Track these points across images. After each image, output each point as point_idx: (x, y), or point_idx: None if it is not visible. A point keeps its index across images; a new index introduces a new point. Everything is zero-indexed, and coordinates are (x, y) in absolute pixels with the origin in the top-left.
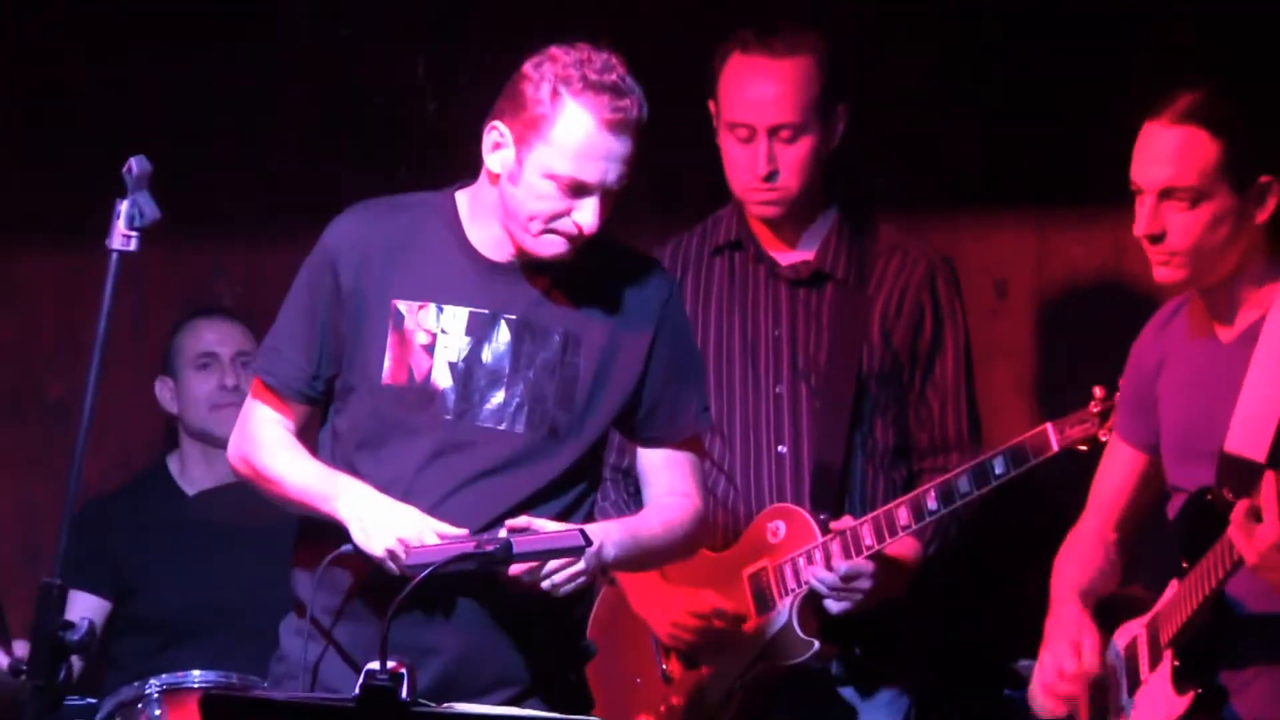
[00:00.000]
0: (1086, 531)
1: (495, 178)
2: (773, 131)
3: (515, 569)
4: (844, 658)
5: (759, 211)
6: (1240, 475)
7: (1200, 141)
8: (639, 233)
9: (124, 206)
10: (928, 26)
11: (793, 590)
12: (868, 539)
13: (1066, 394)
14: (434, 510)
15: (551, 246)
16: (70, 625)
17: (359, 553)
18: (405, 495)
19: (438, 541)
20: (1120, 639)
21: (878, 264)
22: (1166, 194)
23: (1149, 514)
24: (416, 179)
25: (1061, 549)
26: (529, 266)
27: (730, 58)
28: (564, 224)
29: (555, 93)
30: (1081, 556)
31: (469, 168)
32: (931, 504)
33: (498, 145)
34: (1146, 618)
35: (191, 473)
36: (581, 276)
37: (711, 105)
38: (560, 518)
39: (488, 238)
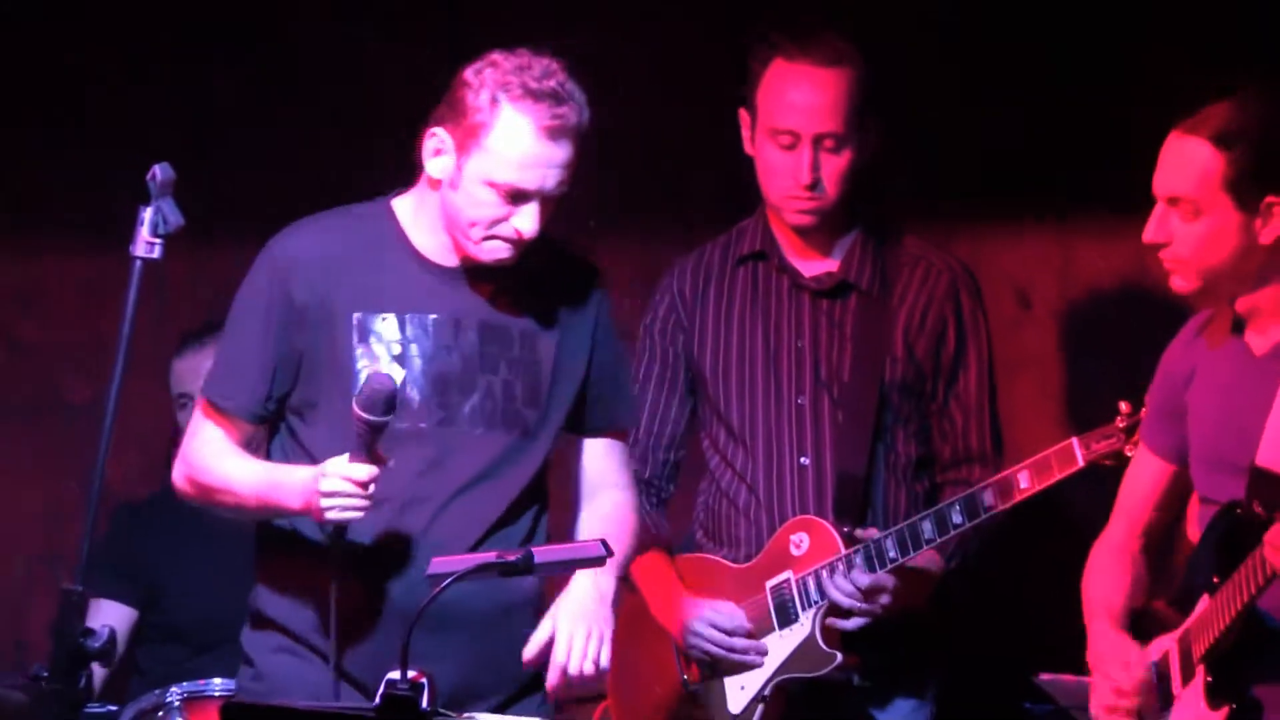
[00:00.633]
0: (1113, 543)
1: (436, 184)
2: (817, 140)
3: (550, 682)
4: (865, 669)
5: (796, 220)
6: (1272, 490)
7: (1204, 154)
8: (658, 242)
9: (148, 213)
10: (951, 36)
11: (816, 603)
12: (891, 552)
13: (1089, 405)
14: (435, 519)
15: (494, 252)
16: (91, 632)
17: (339, 536)
18: (404, 506)
19: (360, 476)
20: (1152, 654)
21: (901, 275)
22: (1172, 203)
23: (1175, 524)
24: None
25: (1089, 562)
26: (477, 270)
27: (772, 64)
28: (504, 229)
29: (494, 100)
30: (1110, 573)
31: None
32: (956, 517)
33: (438, 152)
34: (1178, 633)
35: None
36: (527, 275)
37: (743, 112)
38: (535, 520)
39: (435, 244)
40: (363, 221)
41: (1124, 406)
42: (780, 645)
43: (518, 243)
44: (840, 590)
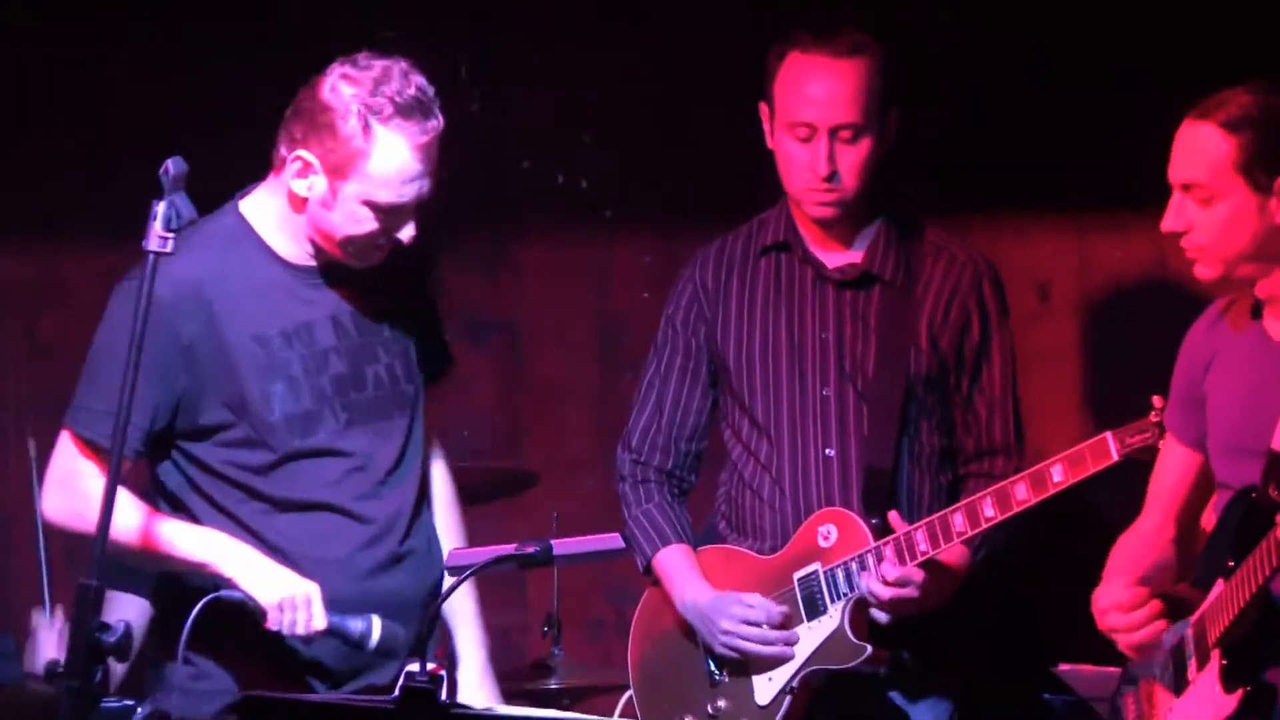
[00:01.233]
0: (1146, 529)
1: (301, 202)
2: (834, 131)
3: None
4: (892, 661)
5: (816, 213)
6: None
7: (1215, 139)
8: (681, 233)
9: (160, 208)
10: (968, 31)
11: (845, 595)
12: (922, 544)
13: (1108, 399)
14: (396, 516)
15: (370, 258)
16: (107, 627)
17: (244, 600)
18: (354, 506)
19: (319, 609)
20: (1168, 639)
21: (925, 266)
22: (1186, 189)
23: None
24: (460, 181)
25: (1118, 542)
26: (335, 265)
27: (788, 57)
28: (383, 239)
29: (366, 127)
30: (1139, 547)
31: (510, 170)
32: (988, 510)
33: (305, 173)
34: (1193, 617)
35: None
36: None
37: (763, 107)
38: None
39: (296, 248)
40: (227, 238)
41: (1157, 401)
42: (809, 637)
43: (391, 245)
44: (870, 583)
